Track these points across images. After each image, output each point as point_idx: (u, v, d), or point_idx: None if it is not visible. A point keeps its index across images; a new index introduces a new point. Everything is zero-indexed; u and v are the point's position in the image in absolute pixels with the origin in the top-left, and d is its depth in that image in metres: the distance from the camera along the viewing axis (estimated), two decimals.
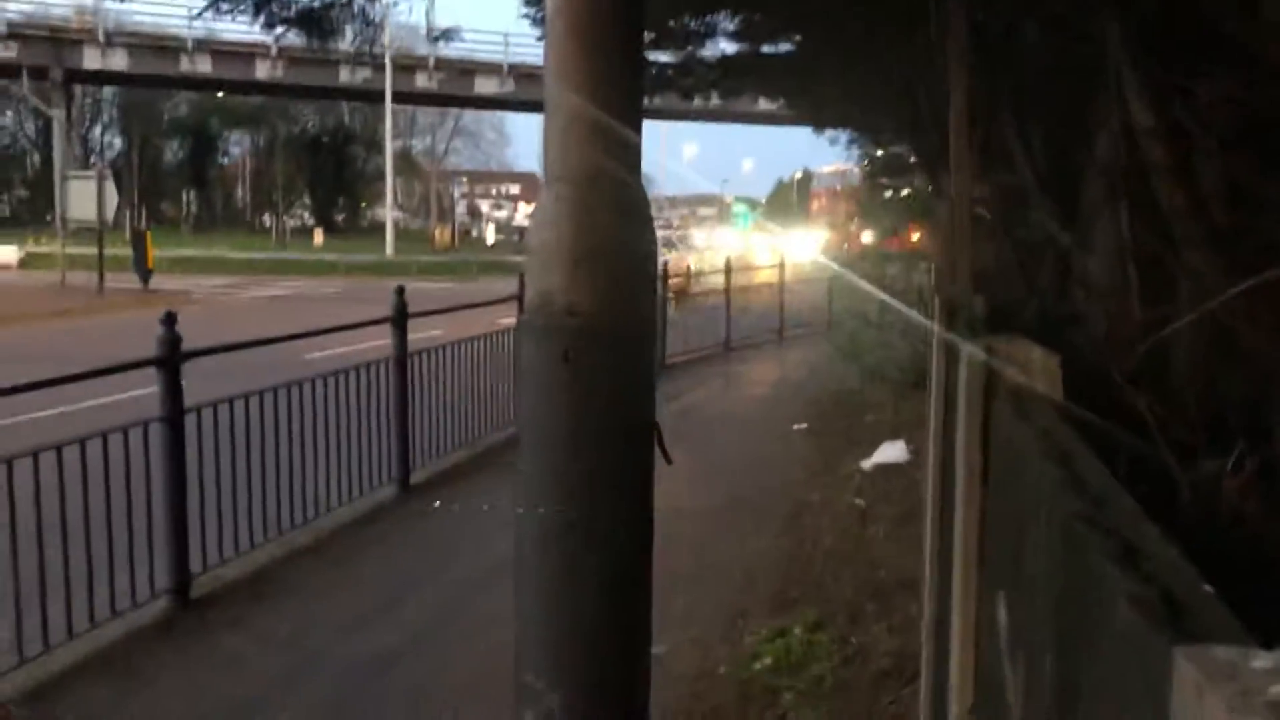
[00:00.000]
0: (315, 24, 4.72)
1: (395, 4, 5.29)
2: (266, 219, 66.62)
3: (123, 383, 5.54)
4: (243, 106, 64.15)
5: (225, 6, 4.39)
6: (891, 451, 7.65)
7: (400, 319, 7.20)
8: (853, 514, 6.50)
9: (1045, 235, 4.37)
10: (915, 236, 13.80)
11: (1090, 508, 0.98)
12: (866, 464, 7.55)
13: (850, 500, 6.77)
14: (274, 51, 41.84)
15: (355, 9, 4.75)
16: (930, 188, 9.35)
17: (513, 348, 8.75)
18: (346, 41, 4.87)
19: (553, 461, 1.81)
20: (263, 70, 42.52)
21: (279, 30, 5.00)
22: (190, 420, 5.18)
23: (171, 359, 5.02)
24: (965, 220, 3.39)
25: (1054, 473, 1.12)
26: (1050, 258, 4.05)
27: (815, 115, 14.08)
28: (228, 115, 65.70)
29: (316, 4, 4.61)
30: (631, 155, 1.85)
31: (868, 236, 22.76)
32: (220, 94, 59.56)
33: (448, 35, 7.83)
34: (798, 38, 9.49)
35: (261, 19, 4.63)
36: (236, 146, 72.47)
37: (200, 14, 4.77)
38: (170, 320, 5.09)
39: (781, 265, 18.51)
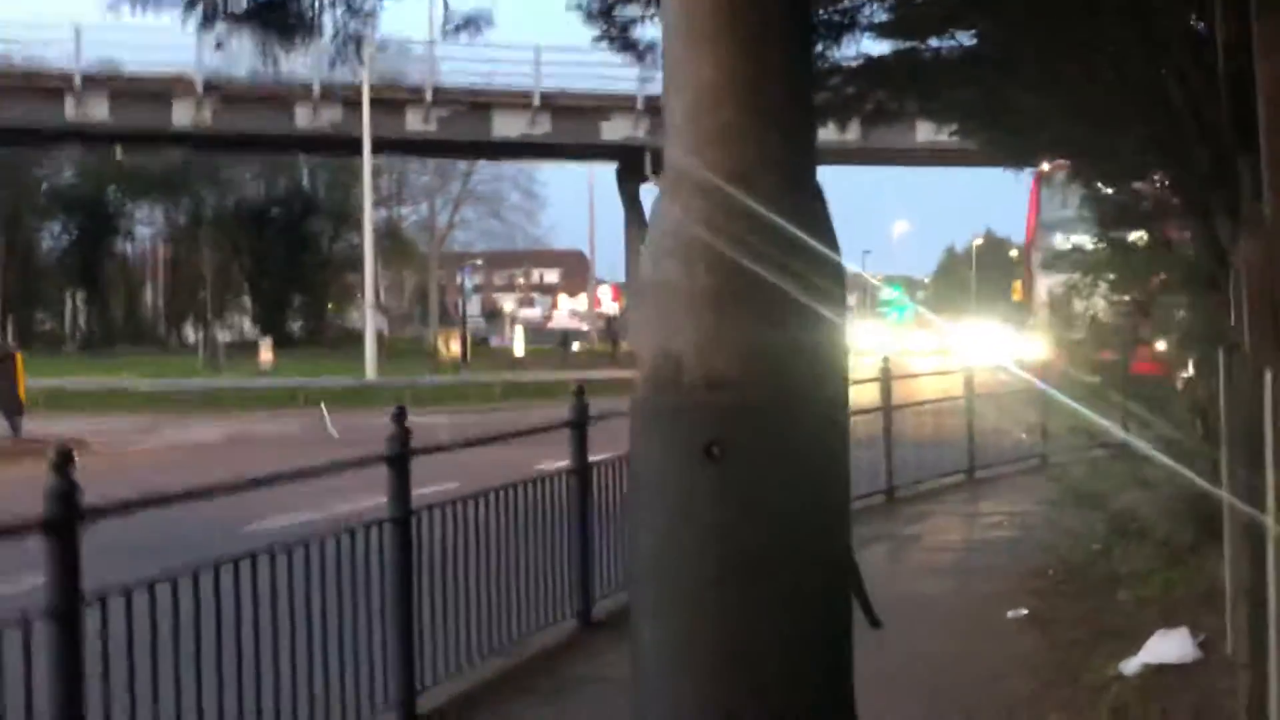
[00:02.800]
0: (277, 16, 4.83)
1: None
2: (189, 331, 68.42)
3: None
4: (153, 169, 66.53)
5: None
6: (1168, 647, 7.41)
7: (400, 459, 7.22)
8: None
9: None
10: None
11: None
12: (1129, 666, 7.32)
13: None
14: (199, 86, 43.62)
15: None
16: (1201, 237, 9.24)
17: (569, 487, 8.86)
18: (325, 37, 4.99)
19: (692, 617, 1.73)
20: (184, 114, 44.30)
21: (221, 31, 5.14)
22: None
23: (69, 521, 5.06)
24: None
25: None
26: None
27: (1009, 143, 14.13)
28: (133, 182, 68.21)
29: None
30: (799, 133, 1.82)
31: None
32: (121, 152, 62.18)
33: (474, 25, 7.91)
34: (981, 26, 9.61)
35: (197, 11, 4.76)
36: (145, 227, 74.98)
37: (112, 8, 4.91)
38: (62, 464, 5.15)
39: (968, 375, 18.39)
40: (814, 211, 1.94)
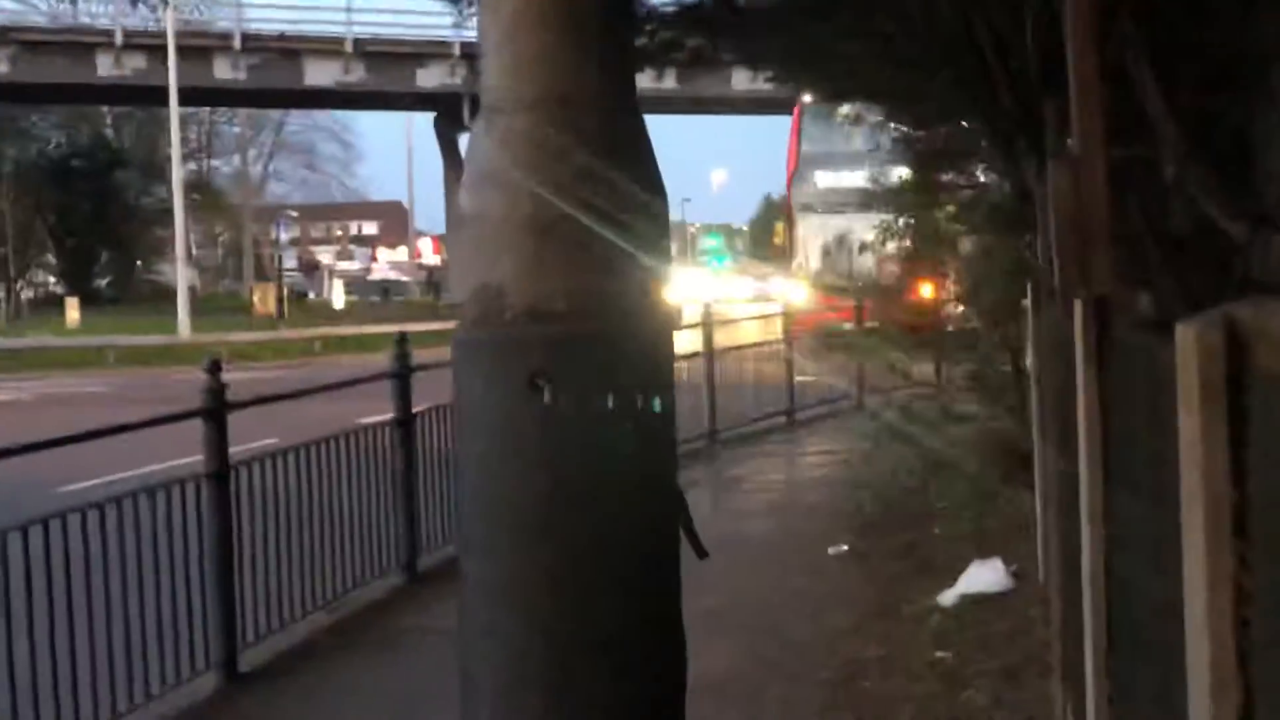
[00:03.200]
0: None
1: None
2: None
3: None
4: None
5: None
6: (984, 576, 7.65)
7: (216, 411, 7.07)
8: (936, 673, 6.42)
9: (1200, 219, 4.42)
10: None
11: None
12: (947, 597, 7.55)
13: (929, 654, 6.70)
14: None
15: None
16: (1007, 177, 9.47)
17: (393, 436, 8.77)
18: None
19: (518, 552, 1.71)
20: None
21: None
22: None
23: None
24: (1098, 190, 3.38)
25: None
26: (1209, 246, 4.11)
27: (824, 89, 14.30)
28: None
29: None
30: (618, 60, 1.79)
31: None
32: None
33: None
34: None
35: None
36: None
37: None
38: None
39: (788, 317, 18.65)
40: (635, 140, 1.92)
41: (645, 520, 1.86)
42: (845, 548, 9.39)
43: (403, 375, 8.98)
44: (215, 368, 7.05)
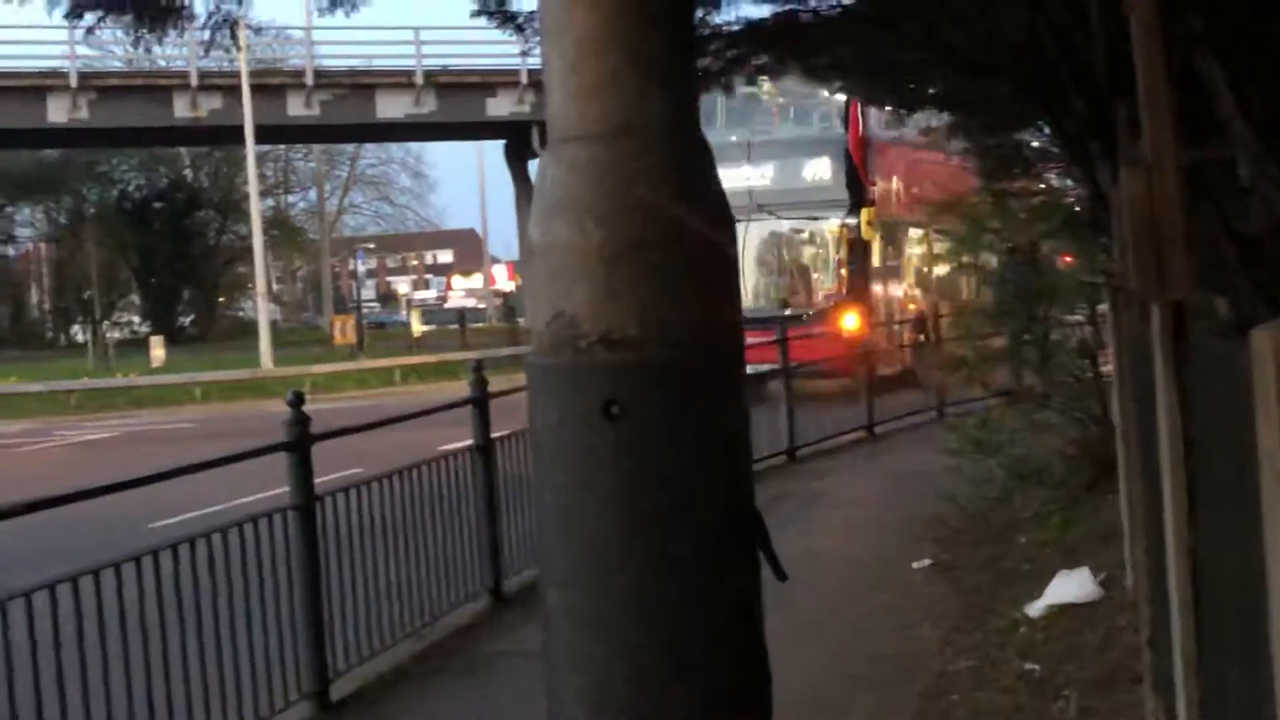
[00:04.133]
0: (145, 3, 4.71)
1: None
2: (78, 331, 67.07)
3: None
4: (30, 168, 65.08)
5: None
6: (1070, 586, 7.56)
7: (300, 444, 7.14)
8: (1025, 685, 6.38)
9: (1277, 219, 4.36)
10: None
11: None
12: (1034, 608, 7.47)
13: (1018, 666, 6.65)
14: (74, 80, 42.73)
15: None
16: (1082, 182, 9.37)
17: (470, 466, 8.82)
18: (199, 23, 4.89)
19: (597, 578, 1.72)
20: (59, 109, 43.31)
21: (92, 19, 5.02)
22: None
23: None
24: (1172, 195, 3.34)
25: None
26: None
27: (891, 96, 14.25)
28: (10, 182, 66.58)
29: None
30: (683, 89, 1.80)
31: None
32: None
33: (348, 2, 7.68)
34: None
35: (64, 2, 4.63)
36: (26, 229, 73.37)
37: None
38: None
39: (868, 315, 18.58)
40: (700, 165, 1.93)
41: (723, 544, 1.86)
42: (929, 561, 9.32)
43: (481, 402, 9.02)
44: (298, 400, 7.12)
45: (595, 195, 1.82)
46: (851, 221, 23.02)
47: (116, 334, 63.67)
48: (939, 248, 25.18)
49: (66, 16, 4.97)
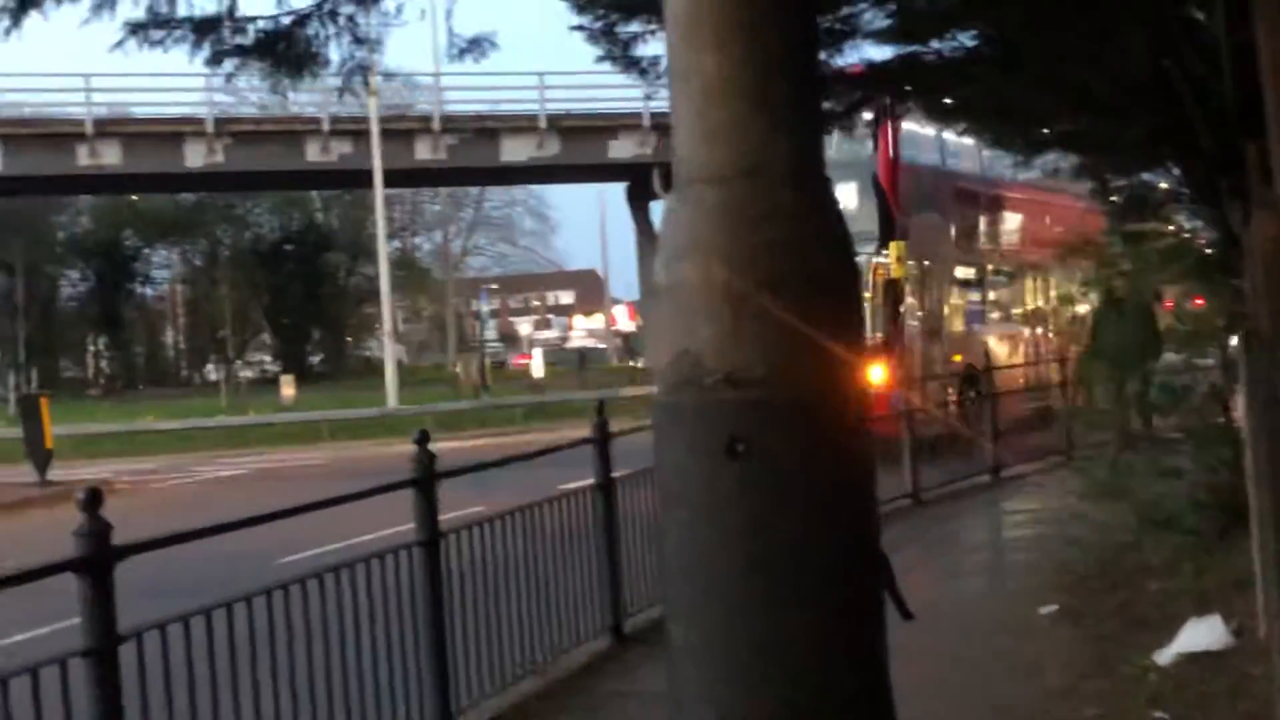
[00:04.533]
0: (283, 50, 4.87)
1: (398, 13, 5.43)
2: (211, 370, 68.60)
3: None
4: (167, 212, 66.86)
5: (155, 35, 4.56)
6: (1202, 634, 7.37)
7: (425, 481, 7.23)
8: None
9: None
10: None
11: None
12: (1164, 656, 7.29)
13: (1147, 714, 6.54)
14: (210, 126, 43.87)
15: (340, 21, 4.91)
16: (1212, 224, 9.23)
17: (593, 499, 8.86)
18: (332, 67, 5.02)
19: (721, 616, 1.72)
20: (195, 154, 44.49)
21: (231, 66, 5.19)
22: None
23: (104, 557, 5.06)
24: None
25: None
26: None
27: (1015, 139, 14.15)
28: (148, 225, 68.42)
29: (285, 20, 4.78)
30: (807, 133, 1.81)
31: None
32: (135, 196, 62.55)
33: (479, 48, 7.82)
34: (980, 26, 9.61)
35: (206, 49, 4.81)
36: (163, 270, 75.19)
37: (119, 45, 4.97)
38: (92, 503, 5.16)
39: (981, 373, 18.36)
40: (825, 207, 1.94)
41: (848, 583, 1.86)
42: (1056, 606, 9.16)
43: (602, 441, 9.07)
44: (424, 439, 7.22)
45: (721, 236, 1.84)
46: (882, 259, 19.76)
47: (248, 373, 65.04)
48: (999, 290, 23.89)
49: (207, 64, 5.14)
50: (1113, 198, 14.05)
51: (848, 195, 19.04)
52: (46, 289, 68.80)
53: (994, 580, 10.84)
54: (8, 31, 5.12)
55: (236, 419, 40.10)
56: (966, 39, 9.81)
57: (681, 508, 1.81)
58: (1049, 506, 13.47)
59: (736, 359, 1.78)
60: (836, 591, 1.87)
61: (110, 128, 43.76)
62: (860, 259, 18.29)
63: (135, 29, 4.78)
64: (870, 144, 19.74)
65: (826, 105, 9.56)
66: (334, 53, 5.19)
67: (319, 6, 4.93)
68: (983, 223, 22.62)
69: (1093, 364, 14.47)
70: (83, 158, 43.54)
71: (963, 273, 22.69)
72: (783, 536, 1.78)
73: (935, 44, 9.90)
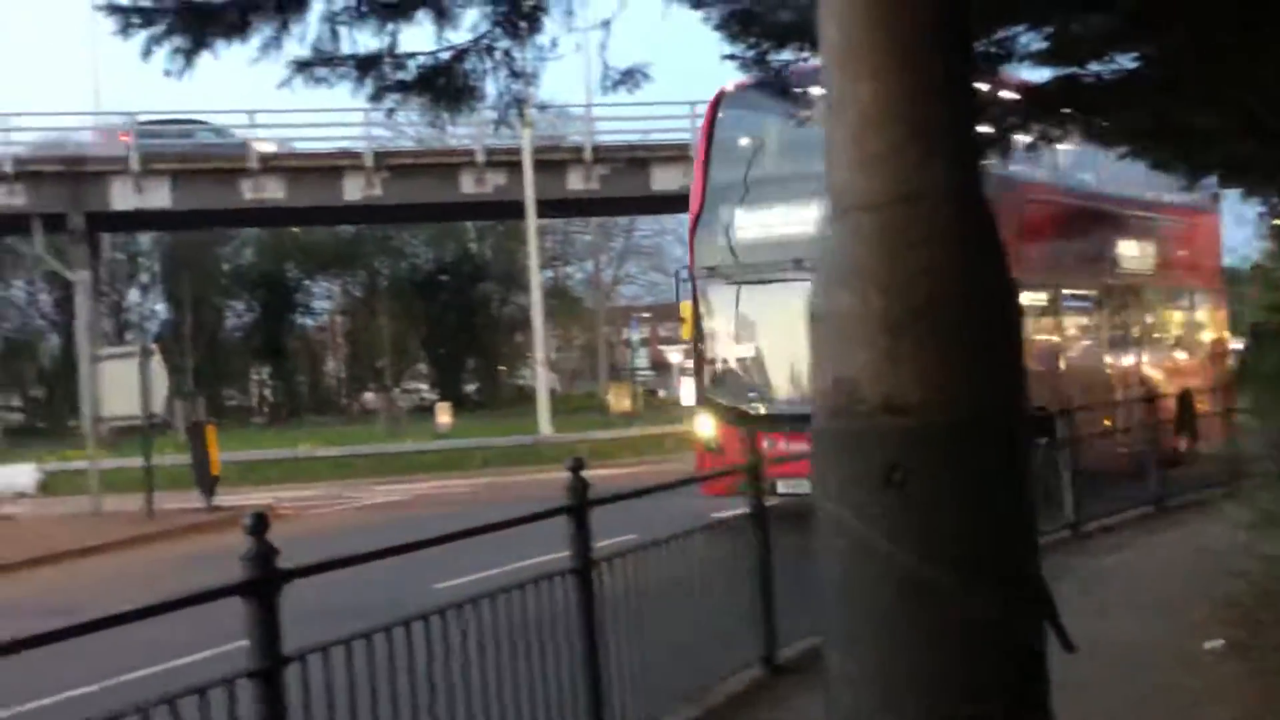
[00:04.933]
0: (442, 85, 4.99)
1: (553, 46, 5.51)
2: (370, 399, 69.85)
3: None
4: (328, 243, 68.45)
5: (320, 72, 4.71)
6: None
7: (579, 509, 7.28)
8: None
9: None
10: None
11: None
12: None
13: None
14: (369, 160, 44.87)
15: (497, 55, 5.01)
16: None
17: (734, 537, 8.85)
18: (488, 100, 5.13)
19: (879, 644, 1.71)
20: (354, 187, 45.50)
21: (392, 101, 5.33)
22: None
23: (270, 581, 5.19)
24: None
25: None
26: None
27: (1177, 164, 13.82)
28: (309, 257, 70.06)
29: (444, 55, 4.90)
30: (964, 157, 1.80)
31: None
32: (298, 229, 64.22)
33: (632, 79, 7.86)
34: (1142, 48, 9.42)
35: (369, 85, 4.95)
36: (323, 301, 76.85)
37: (285, 83, 5.14)
38: (258, 528, 5.29)
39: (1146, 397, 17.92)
40: (983, 230, 1.92)
41: (1008, 613, 1.84)
42: (1222, 641, 8.89)
43: (754, 469, 9.06)
44: (578, 466, 7.27)
45: (878, 263, 1.83)
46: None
47: (406, 401, 66.11)
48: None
49: (370, 99, 5.27)
50: (1277, 220, 13.65)
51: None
52: (213, 320, 70.75)
53: (1157, 613, 10.55)
54: (181, 71, 5.32)
55: (393, 446, 40.77)
56: (1127, 61, 9.63)
57: (839, 536, 1.81)
58: (1212, 537, 13.09)
59: (893, 385, 1.78)
60: (995, 620, 1.84)
61: (273, 163, 44.96)
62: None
63: (301, 67, 4.92)
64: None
65: (983, 129, 9.47)
66: (491, 86, 5.29)
67: (476, 41, 5.04)
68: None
69: (1256, 394, 14.03)
70: (247, 192, 44.82)
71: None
72: (940, 564, 1.77)
73: (1094, 66, 9.73)
